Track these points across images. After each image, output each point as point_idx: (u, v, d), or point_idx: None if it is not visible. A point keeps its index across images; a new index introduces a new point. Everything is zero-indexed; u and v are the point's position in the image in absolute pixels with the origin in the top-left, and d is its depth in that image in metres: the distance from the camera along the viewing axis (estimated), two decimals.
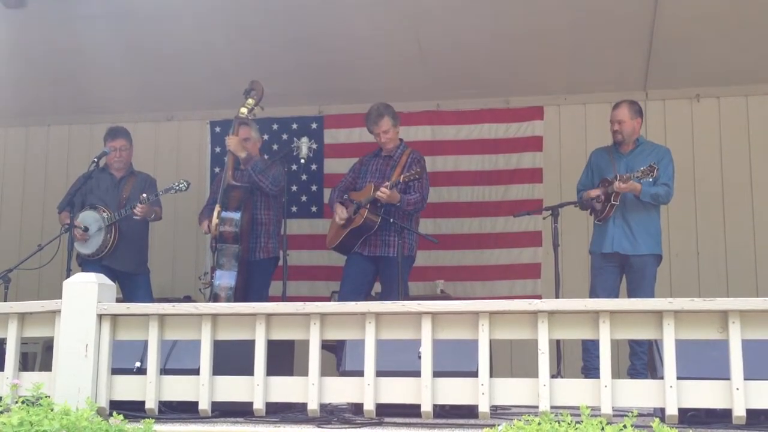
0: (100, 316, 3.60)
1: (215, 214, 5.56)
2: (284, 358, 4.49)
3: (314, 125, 7.13)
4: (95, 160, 5.73)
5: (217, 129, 7.37)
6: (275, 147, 7.08)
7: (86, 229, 5.71)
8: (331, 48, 6.30)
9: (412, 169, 5.44)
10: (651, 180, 5.24)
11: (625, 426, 2.80)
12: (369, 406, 3.38)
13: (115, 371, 3.62)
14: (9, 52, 6.36)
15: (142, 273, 5.99)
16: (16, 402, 3.27)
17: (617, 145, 5.57)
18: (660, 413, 3.23)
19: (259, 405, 3.47)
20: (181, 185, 5.78)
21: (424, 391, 3.33)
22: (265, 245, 5.70)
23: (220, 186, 5.69)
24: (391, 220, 5.32)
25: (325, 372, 3.51)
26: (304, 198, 7.11)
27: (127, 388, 3.60)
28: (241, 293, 5.44)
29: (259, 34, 6.20)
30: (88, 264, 5.71)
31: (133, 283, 5.84)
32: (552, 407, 3.19)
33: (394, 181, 5.38)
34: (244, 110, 5.67)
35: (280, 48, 6.27)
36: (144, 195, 5.70)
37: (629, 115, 5.52)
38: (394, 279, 5.26)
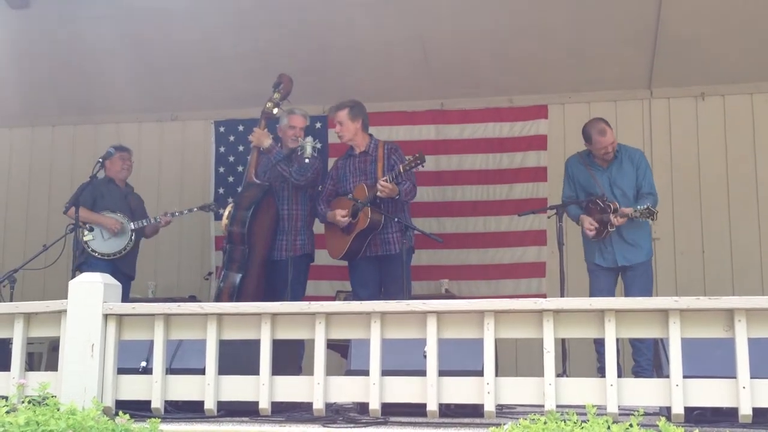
0: (106, 316, 3.61)
1: (226, 212, 5.55)
2: (292, 358, 4.49)
3: (318, 125, 7.12)
4: (100, 160, 5.78)
5: (222, 129, 7.38)
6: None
7: (90, 230, 5.82)
8: (335, 47, 6.31)
9: (392, 159, 5.40)
10: (635, 189, 5.34)
11: (631, 425, 2.79)
12: (374, 406, 3.38)
13: (121, 371, 3.63)
14: (14, 53, 6.37)
15: (133, 277, 6.13)
16: (23, 402, 3.28)
17: (591, 157, 5.56)
18: (666, 412, 3.23)
19: (264, 404, 3.47)
20: (212, 206, 6.37)
21: (430, 390, 3.33)
22: (292, 242, 5.51)
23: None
24: (396, 219, 5.28)
25: (332, 371, 3.51)
26: None
27: (133, 388, 3.61)
28: (262, 294, 5.33)
29: (262, 34, 6.21)
30: (95, 263, 5.73)
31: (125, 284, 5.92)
32: (558, 406, 3.19)
33: (393, 174, 5.30)
34: (270, 105, 5.64)
35: (283, 48, 6.27)
36: (176, 210, 6.17)
37: (613, 132, 5.55)
38: (397, 276, 5.22)
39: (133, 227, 5.95)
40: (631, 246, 5.41)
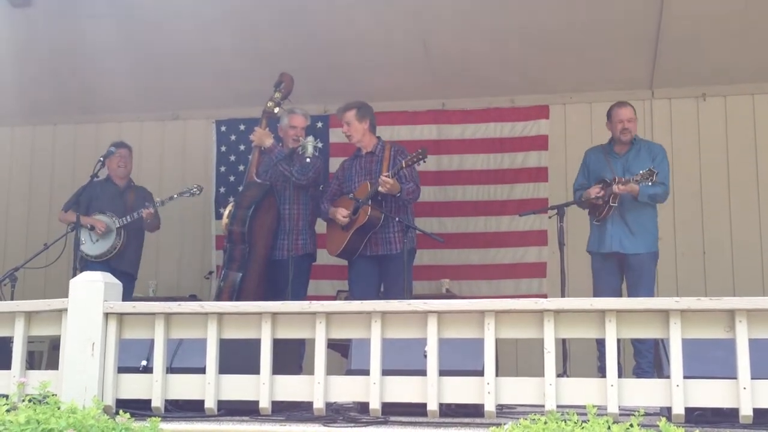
0: (107, 315, 3.61)
1: (227, 211, 5.55)
2: (292, 357, 4.49)
3: (320, 124, 7.13)
4: (101, 159, 5.80)
5: (223, 128, 7.39)
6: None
7: (91, 229, 5.80)
8: (336, 47, 6.31)
9: (398, 160, 5.38)
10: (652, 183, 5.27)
11: (631, 425, 2.79)
12: (375, 405, 3.38)
13: (122, 370, 3.63)
14: (15, 51, 6.37)
15: (135, 276, 6.11)
16: (23, 400, 3.28)
17: (612, 145, 5.60)
18: (666, 412, 3.23)
19: (264, 404, 3.47)
20: (194, 189, 6.06)
21: (430, 389, 3.33)
22: (294, 242, 5.49)
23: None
24: (397, 219, 5.28)
25: (332, 371, 3.51)
26: None
27: (134, 387, 3.61)
28: (263, 294, 5.32)
29: (264, 34, 6.21)
30: (92, 265, 5.73)
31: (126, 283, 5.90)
32: (558, 406, 3.19)
33: (396, 170, 5.31)
34: (271, 104, 5.67)
35: (285, 47, 6.27)
36: (158, 199, 5.95)
37: (635, 115, 5.59)
38: (398, 276, 5.22)
39: (118, 225, 5.91)
40: (630, 233, 5.38)
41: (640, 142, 5.63)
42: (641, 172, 5.20)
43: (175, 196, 6.00)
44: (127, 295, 5.74)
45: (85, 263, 5.82)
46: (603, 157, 5.59)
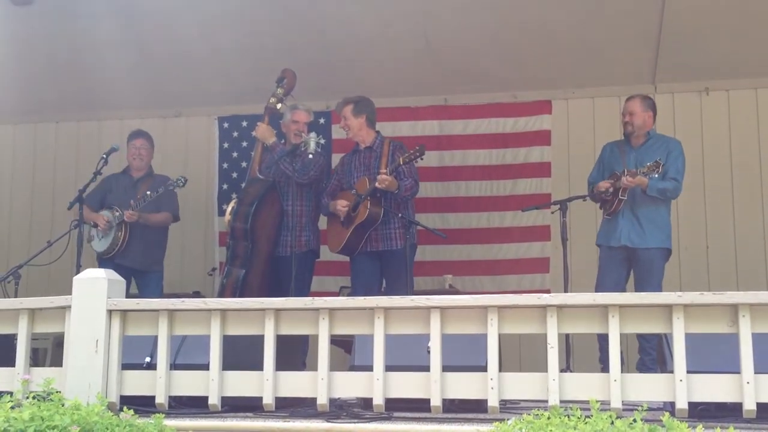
0: (110, 312, 3.61)
1: (229, 208, 5.55)
2: (296, 354, 4.49)
3: (322, 120, 7.12)
4: (104, 156, 5.78)
5: (225, 125, 7.39)
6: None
7: (94, 226, 5.79)
8: (338, 43, 6.30)
9: (396, 156, 5.37)
10: (659, 174, 5.23)
11: (635, 420, 2.79)
12: (378, 401, 3.38)
13: (125, 366, 3.64)
14: (17, 49, 6.38)
15: (154, 271, 6.05)
16: (27, 397, 3.29)
17: (627, 139, 5.58)
18: (670, 407, 3.23)
19: (268, 400, 3.48)
20: (179, 181, 5.85)
21: (433, 385, 3.33)
22: (297, 239, 5.49)
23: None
24: (400, 215, 5.29)
25: (336, 367, 3.51)
26: None
27: (137, 384, 3.62)
28: (266, 290, 5.32)
29: (266, 30, 6.21)
30: (103, 261, 5.75)
31: (143, 280, 5.89)
32: (561, 401, 3.19)
33: (394, 167, 5.31)
34: (273, 100, 5.69)
35: (287, 43, 6.27)
36: (140, 195, 5.78)
37: (641, 107, 5.53)
38: (400, 272, 5.23)
39: (117, 221, 5.80)
40: (640, 228, 5.34)
41: (656, 136, 5.57)
42: (648, 164, 5.18)
43: (161, 190, 5.84)
44: (142, 291, 5.78)
45: (99, 259, 5.85)
46: (618, 150, 5.57)
